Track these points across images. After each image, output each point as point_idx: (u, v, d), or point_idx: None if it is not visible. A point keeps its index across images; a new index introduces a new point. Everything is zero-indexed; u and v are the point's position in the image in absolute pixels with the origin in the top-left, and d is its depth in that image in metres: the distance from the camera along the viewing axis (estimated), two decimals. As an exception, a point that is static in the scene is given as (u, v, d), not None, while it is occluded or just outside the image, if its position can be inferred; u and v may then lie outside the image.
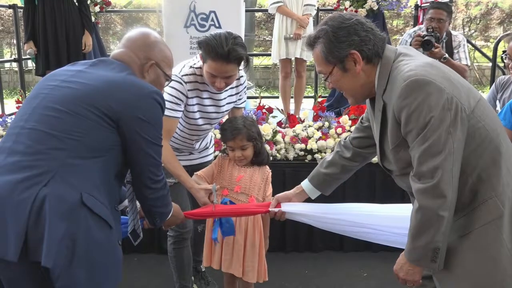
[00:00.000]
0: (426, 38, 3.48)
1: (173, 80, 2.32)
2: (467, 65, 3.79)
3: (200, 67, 2.35)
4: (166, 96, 2.33)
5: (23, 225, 1.43)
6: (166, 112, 2.30)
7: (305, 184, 2.10)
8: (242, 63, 2.27)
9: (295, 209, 2.12)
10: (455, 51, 3.78)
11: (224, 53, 2.14)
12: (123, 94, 1.63)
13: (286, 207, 2.13)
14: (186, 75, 2.35)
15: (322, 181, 2.06)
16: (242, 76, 2.53)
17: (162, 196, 1.80)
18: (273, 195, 2.53)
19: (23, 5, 5.35)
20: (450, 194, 1.48)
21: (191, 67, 2.38)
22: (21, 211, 1.44)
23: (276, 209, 2.14)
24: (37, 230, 1.44)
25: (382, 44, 1.63)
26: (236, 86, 2.53)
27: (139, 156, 1.67)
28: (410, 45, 3.68)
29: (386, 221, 1.97)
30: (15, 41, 6.51)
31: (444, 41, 3.77)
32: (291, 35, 4.72)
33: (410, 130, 1.50)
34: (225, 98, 2.49)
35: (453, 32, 3.85)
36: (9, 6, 5.45)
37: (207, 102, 2.44)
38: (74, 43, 4.78)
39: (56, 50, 4.75)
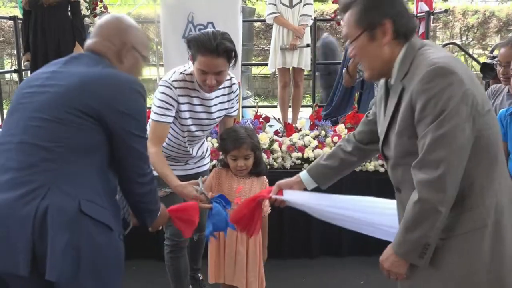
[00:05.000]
0: None
1: (163, 85, 2.36)
2: None
3: (190, 73, 2.39)
4: (156, 102, 2.37)
5: (29, 240, 1.45)
6: (157, 118, 2.35)
7: (303, 173, 2.07)
8: (232, 62, 2.29)
9: (297, 198, 2.06)
10: None
11: (213, 47, 2.19)
12: (100, 90, 1.60)
13: (288, 195, 2.08)
14: (176, 80, 2.38)
15: (320, 172, 2.03)
16: (234, 84, 2.57)
17: (149, 191, 1.77)
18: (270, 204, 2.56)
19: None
20: (451, 190, 1.47)
21: (181, 73, 2.41)
22: (25, 227, 1.45)
23: (278, 197, 2.08)
24: (43, 243, 1.45)
25: (413, 28, 1.62)
26: (228, 94, 2.56)
27: (124, 150, 1.65)
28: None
29: (387, 219, 1.91)
30: (15, 52, 6.56)
31: None
32: (287, 46, 4.77)
33: (425, 116, 1.48)
34: (216, 105, 2.51)
35: None
36: (10, 18, 5.49)
37: (198, 108, 2.46)
38: (65, 55, 4.83)
39: (46, 62, 4.81)
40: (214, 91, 2.41)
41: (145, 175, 1.72)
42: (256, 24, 10.65)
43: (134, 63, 1.79)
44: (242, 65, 5.57)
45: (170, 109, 2.37)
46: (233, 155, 2.42)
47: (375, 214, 1.95)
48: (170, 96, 2.37)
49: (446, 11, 6.86)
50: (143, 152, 1.70)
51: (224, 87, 2.52)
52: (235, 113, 2.68)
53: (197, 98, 2.44)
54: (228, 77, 2.50)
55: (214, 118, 2.54)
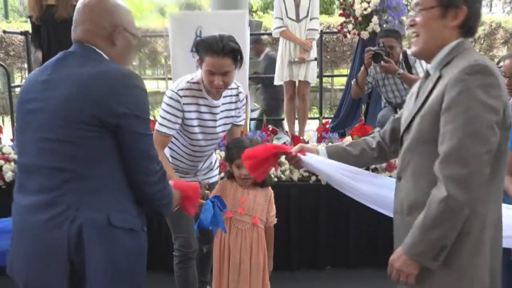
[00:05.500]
0: (376, 51, 3.81)
1: (169, 96, 2.43)
2: None
3: (197, 82, 2.46)
4: (161, 112, 2.44)
5: (65, 260, 1.49)
6: (160, 128, 2.41)
7: (321, 148, 2.04)
8: (238, 63, 2.38)
9: (317, 161, 2.00)
10: (413, 67, 4.02)
11: (219, 48, 2.30)
12: (93, 93, 1.52)
13: (309, 158, 2.01)
14: (182, 89, 2.45)
15: (337, 153, 1.99)
16: (241, 93, 2.63)
17: (160, 190, 1.69)
18: (277, 216, 2.58)
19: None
20: (478, 190, 1.44)
21: (188, 82, 2.47)
22: (60, 249, 1.48)
23: (299, 154, 2.03)
24: (80, 261, 1.49)
25: (476, 29, 1.65)
26: (235, 102, 2.62)
27: (129, 153, 1.58)
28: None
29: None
30: (26, 66, 6.67)
31: (402, 62, 4.03)
32: (295, 59, 4.82)
33: (456, 104, 1.46)
34: (222, 112, 2.56)
35: (408, 51, 4.06)
36: (21, 33, 5.60)
37: (206, 116, 2.51)
38: None
39: None
40: (221, 93, 2.47)
41: (154, 174, 1.64)
42: (263, 37, 10.71)
43: (127, 44, 1.72)
44: (250, 78, 5.60)
45: (174, 122, 2.44)
46: (238, 163, 2.45)
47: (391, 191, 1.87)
48: (175, 108, 2.43)
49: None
50: (149, 151, 1.63)
51: (231, 95, 2.59)
52: (242, 122, 2.73)
53: (204, 106, 2.50)
54: (235, 86, 2.58)
55: (220, 125, 2.58)
